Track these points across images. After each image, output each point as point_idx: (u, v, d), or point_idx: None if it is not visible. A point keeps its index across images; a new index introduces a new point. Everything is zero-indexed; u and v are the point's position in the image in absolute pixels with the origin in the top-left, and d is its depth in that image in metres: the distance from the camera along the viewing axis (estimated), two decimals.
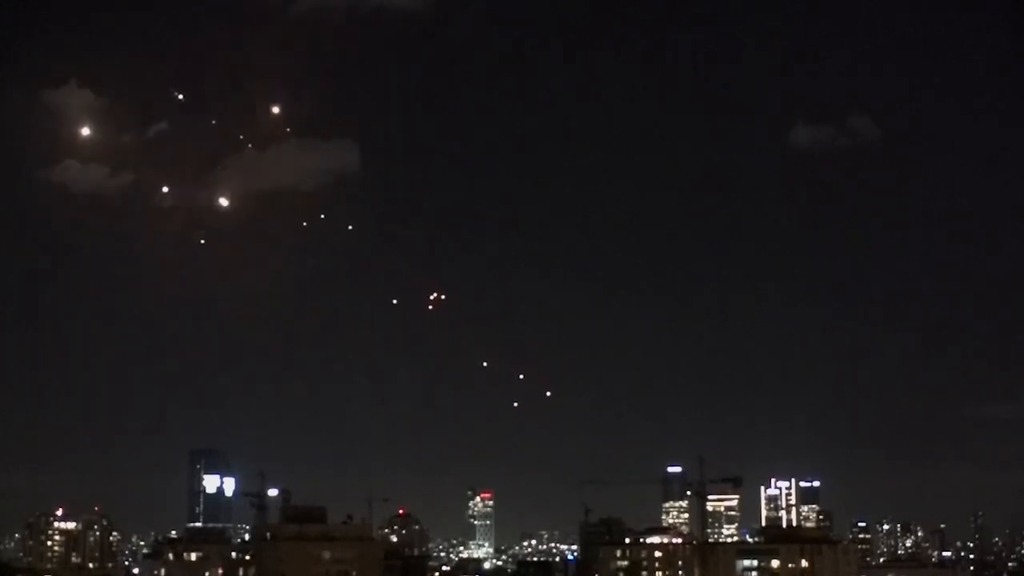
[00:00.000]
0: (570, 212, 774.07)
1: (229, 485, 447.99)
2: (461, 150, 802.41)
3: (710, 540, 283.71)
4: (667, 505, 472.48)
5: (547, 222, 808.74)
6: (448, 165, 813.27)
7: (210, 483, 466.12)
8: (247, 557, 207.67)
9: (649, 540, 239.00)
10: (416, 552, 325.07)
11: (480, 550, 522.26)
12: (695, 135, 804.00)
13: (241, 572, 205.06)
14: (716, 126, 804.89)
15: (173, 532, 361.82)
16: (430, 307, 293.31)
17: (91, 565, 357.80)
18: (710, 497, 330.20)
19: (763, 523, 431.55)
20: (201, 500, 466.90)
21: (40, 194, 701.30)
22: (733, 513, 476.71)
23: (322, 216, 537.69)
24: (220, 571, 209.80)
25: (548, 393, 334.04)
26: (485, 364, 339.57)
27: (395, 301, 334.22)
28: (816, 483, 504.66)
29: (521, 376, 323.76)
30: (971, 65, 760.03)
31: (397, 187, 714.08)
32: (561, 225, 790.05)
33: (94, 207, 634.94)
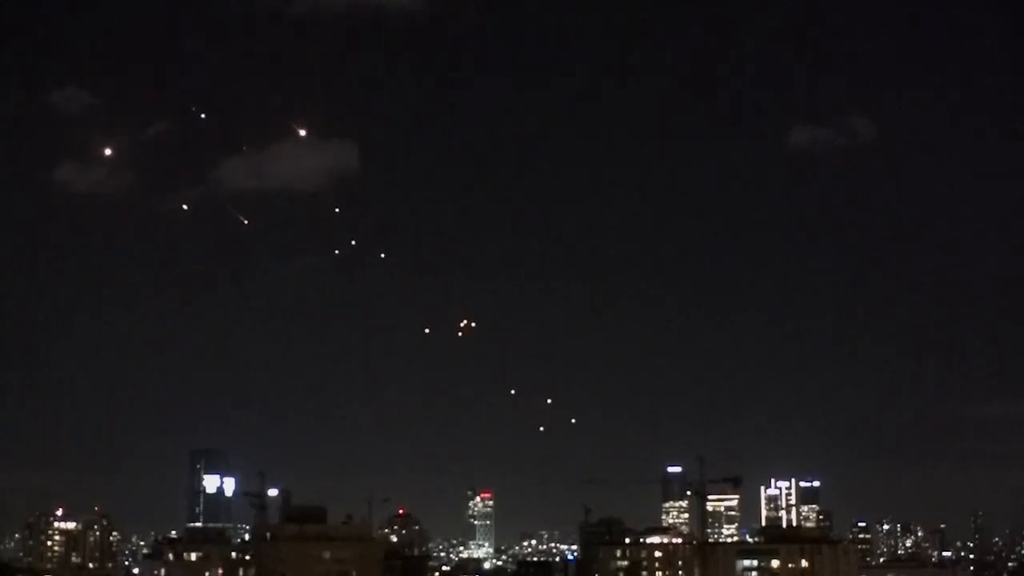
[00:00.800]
0: (569, 212, 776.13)
1: (229, 485, 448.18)
2: (460, 149, 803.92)
3: (710, 540, 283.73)
4: (667, 505, 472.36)
5: (546, 222, 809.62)
6: (447, 164, 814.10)
7: (210, 483, 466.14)
8: (247, 557, 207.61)
9: (649, 540, 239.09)
10: (416, 552, 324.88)
11: (480, 550, 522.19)
12: (695, 135, 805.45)
13: (241, 572, 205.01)
14: (716, 126, 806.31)
15: (173, 532, 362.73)
16: (460, 334, 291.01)
17: (91, 565, 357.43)
18: (710, 497, 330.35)
19: (763, 523, 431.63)
20: (201, 500, 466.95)
21: (40, 194, 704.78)
22: (733, 513, 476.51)
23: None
24: (220, 571, 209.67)
25: (573, 420, 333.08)
26: (513, 392, 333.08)
27: (428, 331, 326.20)
28: (816, 483, 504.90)
29: (549, 401, 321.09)
30: (969, 66, 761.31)
31: (396, 186, 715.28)
32: (560, 225, 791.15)
33: (94, 207, 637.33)
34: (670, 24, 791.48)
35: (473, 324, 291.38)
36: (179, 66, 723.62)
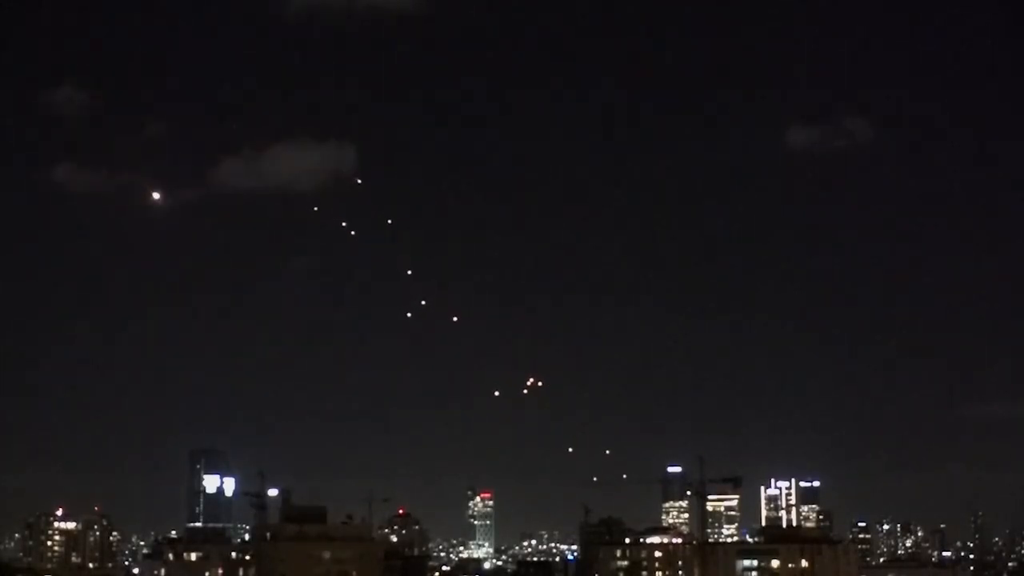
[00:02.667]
0: (567, 212, 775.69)
1: (229, 485, 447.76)
2: (460, 149, 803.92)
3: (710, 540, 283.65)
4: (667, 505, 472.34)
5: (545, 221, 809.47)
6: (446, 165, 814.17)
7: (210, 483, 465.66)
8: (247, 557, 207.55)
9: (649, 540, 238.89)
10: (416, 552, 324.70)
11: (480, 550, 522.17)
12: (693, 135, 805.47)
13: (241, 572, 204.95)
14: (714, 126, 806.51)
15: (173, 532, 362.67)
16: (525, 392, 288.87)
17: (91, 565, 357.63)
18: (710, 497, 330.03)
19: (763, 523, 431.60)
20: (201, 500, 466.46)
21: (38, 194, 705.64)
22: (733, 513, 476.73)
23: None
24: (220, 571, 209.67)
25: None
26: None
27: (493, 391, 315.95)
28: (816, 483, 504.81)
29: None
30: (967, 67, 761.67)
31: (394, 186, 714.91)
32: (559, 225, 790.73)
33: (93, 207, 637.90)
34: (669, 24, 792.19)
35: (540, 383, 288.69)
36: (179, 66, 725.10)
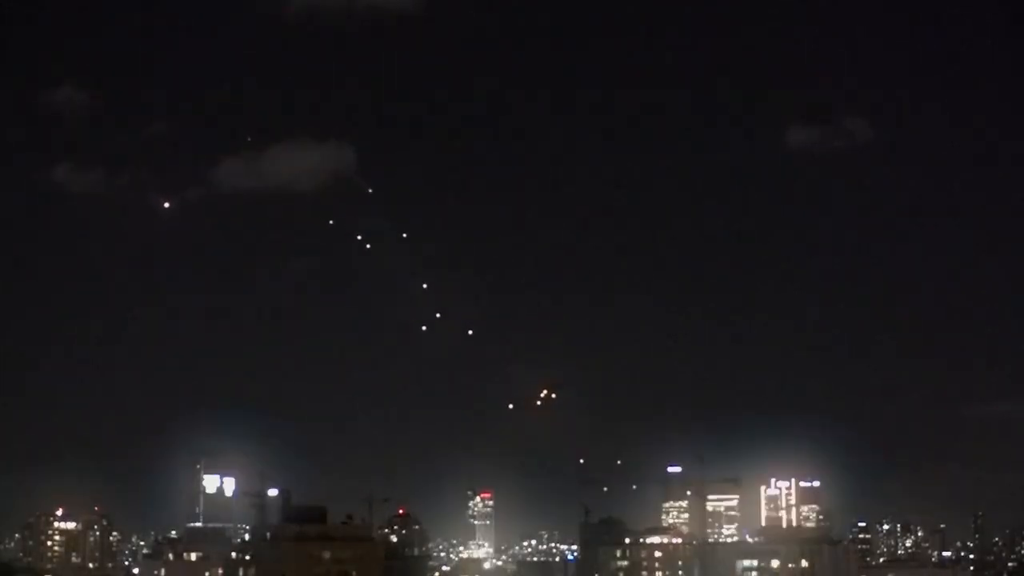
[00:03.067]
0: (567, 211, 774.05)
1: (229, 485, 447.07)
2: (459, 149, 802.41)
3: (710, 540, 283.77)
4: (667, 505, 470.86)
5: (544, 221, 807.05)
6: (445, 164, 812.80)
7: (210, 483, 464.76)
8: (247, 557, 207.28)
9: (649, 540, 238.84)
10: (416, 552, 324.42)
11: (480, 550, 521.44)
12: (691, 135, 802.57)
13: (241, 572, 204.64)
14: (713, 126, 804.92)
15: (173, 532, 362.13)
16: (540, 403, 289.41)
17: (91, 565, 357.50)
18: (710, 497, 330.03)
19: (763, 523, 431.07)
20: (201, 500, 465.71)
21: (38, 195, 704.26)
22: (733, 513, 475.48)
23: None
24: (220, 571, 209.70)
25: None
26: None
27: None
28: (816, 483, 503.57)
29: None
30: (967, 67, 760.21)
31: (393, 186, 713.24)
32: (558, 224, 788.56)
33: (93, 207, 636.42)
34: (668, 24, 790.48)
35: (554, 395, 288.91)
36: (178, 66, 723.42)
